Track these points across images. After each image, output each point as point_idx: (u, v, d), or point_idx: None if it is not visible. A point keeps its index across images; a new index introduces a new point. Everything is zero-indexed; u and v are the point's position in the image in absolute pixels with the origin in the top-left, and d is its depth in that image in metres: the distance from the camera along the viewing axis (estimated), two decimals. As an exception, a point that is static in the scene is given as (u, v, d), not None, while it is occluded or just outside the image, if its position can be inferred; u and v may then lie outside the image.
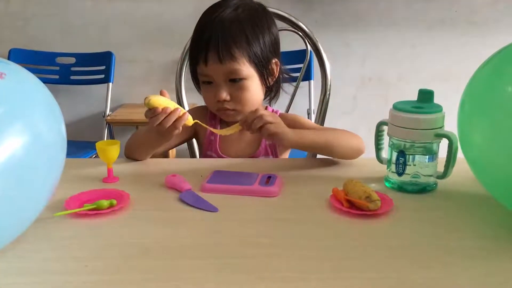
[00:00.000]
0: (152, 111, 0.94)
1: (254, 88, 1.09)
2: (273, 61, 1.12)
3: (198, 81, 1.13)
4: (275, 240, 0.72)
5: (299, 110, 2.32)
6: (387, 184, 0.92)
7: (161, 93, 0.96)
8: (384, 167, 0.95)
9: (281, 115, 1.19)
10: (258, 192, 0.85)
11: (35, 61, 2.45)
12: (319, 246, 0.71)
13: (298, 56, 2.07)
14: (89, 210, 0.80)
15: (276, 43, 1.12)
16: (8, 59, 2.34)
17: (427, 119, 0.85)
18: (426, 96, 0.88)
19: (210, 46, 1.03)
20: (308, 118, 2.42)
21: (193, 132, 1.23)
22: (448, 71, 2.62)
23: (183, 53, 1.42)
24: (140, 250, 0.70)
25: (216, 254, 0.68)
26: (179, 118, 0.95)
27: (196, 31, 1.08)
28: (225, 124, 1.18)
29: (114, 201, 0.82)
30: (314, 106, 2.41)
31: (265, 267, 0.65)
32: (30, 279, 0.63)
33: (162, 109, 0.93)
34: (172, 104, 0.95)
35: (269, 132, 0.95)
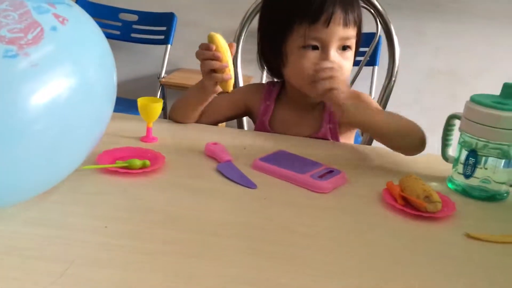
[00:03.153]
0: (205, 45, 0.90)
1: (352, 59, 1.00)
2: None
3: (277, 50, 1.00)
4: (314, 230, 0.64)
5: (358, 96, 2.21)
6: (450, 185, 0.81)
7: (229, 44, 0.91)
8: (448, 166, 0.84)
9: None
10: (306, 184, 0.76)
11: (99, 14, 2.44)
12: (363, 244, 0.62)
13: (363, 39, 1.93)
14: (120, 167, 0.74)
15: None
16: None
17: (510, 117, 0.73)
18: (511, 91, 0.76)
19: (336, 7, 0.93)
20: (367, 105, 2.29)
21: (245, 110, 1.15)
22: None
23: (242, 22, 1.34)
24: (165, 218, 0.63)
25: (247, 235, 0.61)
26: (220, 72, 0.90)
27: None
28: (283, 104, 1.09)
29: (148, 162, 0.76)
30: (375, 94, 2.28)
31: (299, 259, 0.57)
32: (48, 232, 0.58)
33: (214, 50, 0.88)
34: (227, 58, 0.90)
35: (334, 100, 0.86)
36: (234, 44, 0.92)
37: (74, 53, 0.57)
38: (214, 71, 0.91)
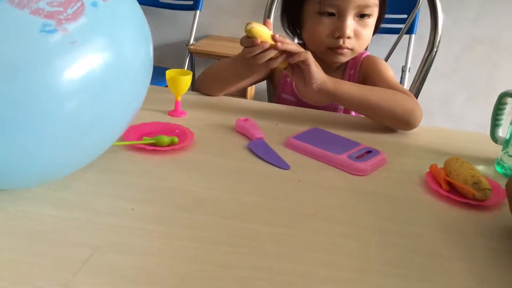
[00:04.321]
0: (250, 41, 0.81)
1: (372, 27, 0.96)
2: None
3: (296, 13, 0.98)
4: (353, 217, 0.60)
5: (392, 66, 2.11)
6: (498, 169, 0.75)
7: (265, 23, 0.83)
8: (497, 147, 0.78)
9: (367, 56, 1.04)
10: (343, 165, 0.72)
11: (127, -21, 2.39)
12: (406, 233, 0.58)
13: (402, 5, 1.82)
14: (148, 144, 0.71)
15: None
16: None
17: None
18: None
19: None
20: (402, 75, 2.20)
21: (269, 73, 1.10)
22: None
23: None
24: (194, 201, 0.60)
25: (280, 222, 0.58)
26: (274, 59, 0.82)
27: None
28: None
29: (176, 139, 0.73)
30: (411, 64, 2.18)
31: (338, 249, 0.54)
32: (74, 214, 0.56)
33: (261, 43, 0.80)
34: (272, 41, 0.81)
35: (308, 64, 0.82)
36: (270, 21, 0.84)
37: (113, 31, 0.53)
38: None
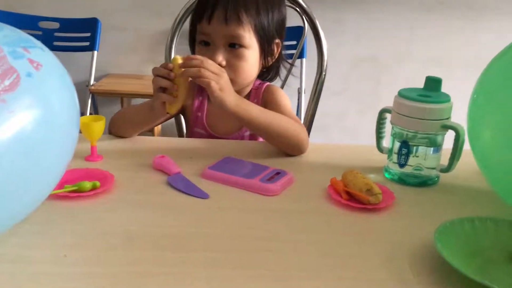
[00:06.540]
0: (165, 64, 0.89)
1: (252, 61, 1.02)
2: (276, 41, 1.07)
3: (194, 42, 1.05)
4: (269, 234, 0.68)
5: (290, 89, 2.26)
6: (386, 175, 0.88)
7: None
8: (384, 156, 0.91)
9: (268, 86, 1.13)
10: (256, 188, 0.79)
11: (17, 24, 2.30)
12: (318, 241, 0.66)
13: (291, 33, 1.98)
14: (70, 192, 0.74)
15: (282, 24, 1.07)
16: (-12, 20, 2.21)
17: (434, 109, 0.80)
18: (433, 84, 0.83)
19: (218, 4, 0.97)
20: (299, 97, 2.37)
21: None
22: (443, 56, 2.57)
23: (174, 24, 1.34)
24: (123, 239, 0.64)
25: (206, 246, 0.64)
26: (168, 92, 0.89)
27: None
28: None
29: (98, 183, 0.76)
30: (306, 85, 2.35)
31: (259, 263, 0.61)
32: (5, 267, 0.57)
33: (170, 70, 0.88)
34: (180, 81, 0.89)
35: (209, 91, 0.88)
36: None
37: (47, 99, 0.57)
38: (163, 90, 0.90)
